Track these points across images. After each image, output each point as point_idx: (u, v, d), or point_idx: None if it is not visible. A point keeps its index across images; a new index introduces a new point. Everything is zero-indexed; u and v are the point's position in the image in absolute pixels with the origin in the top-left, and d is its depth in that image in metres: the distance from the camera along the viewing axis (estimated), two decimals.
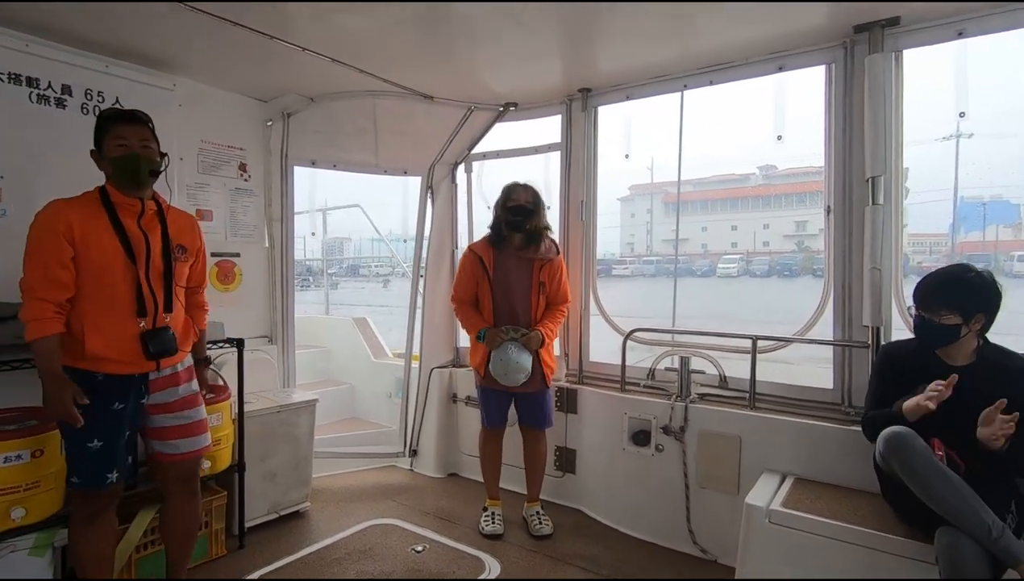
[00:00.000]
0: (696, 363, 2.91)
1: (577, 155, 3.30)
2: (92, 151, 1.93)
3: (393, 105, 3.34)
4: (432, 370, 3.73)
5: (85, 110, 2.56)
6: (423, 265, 3.79)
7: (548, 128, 3.49)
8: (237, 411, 2.69)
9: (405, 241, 4.34)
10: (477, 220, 3.81)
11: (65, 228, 1.80)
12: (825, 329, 2.64)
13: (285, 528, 2.95)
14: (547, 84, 3.17)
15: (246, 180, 3.31)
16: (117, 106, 2.64)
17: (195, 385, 2.13)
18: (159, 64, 2.79)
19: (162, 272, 1.95)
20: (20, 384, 2.21)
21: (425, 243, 3.77)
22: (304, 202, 4.12)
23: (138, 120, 1.92)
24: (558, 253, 2.89)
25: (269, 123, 3.40)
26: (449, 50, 2.72)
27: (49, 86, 2.45)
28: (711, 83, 2.85)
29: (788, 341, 2.74)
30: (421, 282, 3.78)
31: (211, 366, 2.40)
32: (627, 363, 3.07)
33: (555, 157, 3.40)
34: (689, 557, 2.70)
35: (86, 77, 2.56)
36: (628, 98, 3.13)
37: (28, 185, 2.38)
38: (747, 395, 2.69)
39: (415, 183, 3.82)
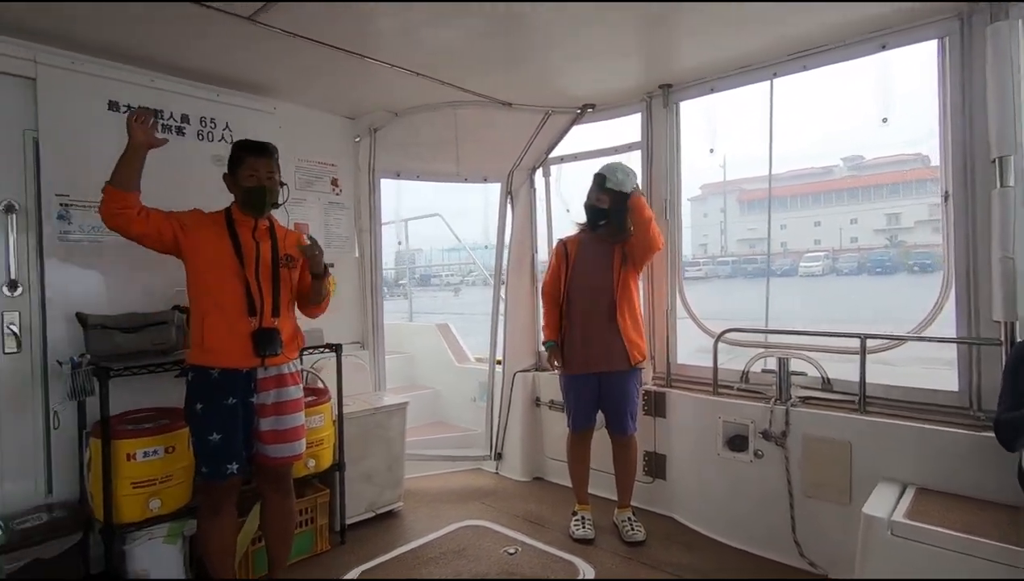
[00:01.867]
0: (794, 365, 2.76)
1: (659, 153, 3.23)
2: (225, 175, 2.15)
3: (473, 114, 3.42)
4: (515, 374, 3.76)
5: (200, 136, 2.80)
6: (504, 271, 3.84)
7: (626, 127, 3.45)
8: (337, 413, 2.83)
9: (486, 247, 4.40)
10: (556, 224, 3.82)
11: (188, 221, 2.11)
12: (943, 327, 2.43)
13: (381, 526, 3.06)
14: (626, 83, 3.13)
15: (337, 194, 3.50)
16: (228, 131, 2.88)
17: (298, 391, 2.23)
18: (261, 90, 3.01)
19: (271, 277, 2.11)
20: (155, 387, 2.45)
21: (505, 249, 3.82)
22: (389, 213, 4.29)
23: (267, 153, 2.14)
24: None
25: (357, 139, 3.58)
26: (526, 57, 2.75)
27: (171, 116, 2.71)
28: (804, 68, 2.71)
29: (903, 339, 2.54)
30: (502, 288, 3.82)
31: (311, 369, 2.53)
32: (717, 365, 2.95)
33: (635, 156, 3.35)
34: (795, 569, 2.54)
35: (201, 106, 2.80)
36: (712, 91, 3.04)
37: (159, 207, 2.61)
38: (855, 398, 2.51)
39: (494, 190, 3.88)
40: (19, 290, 2.31)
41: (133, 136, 1.93)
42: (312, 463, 2.65)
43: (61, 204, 2.38)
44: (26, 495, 2.32)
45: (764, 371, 2.87)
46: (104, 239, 2.49)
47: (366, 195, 3.58)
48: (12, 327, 2.28)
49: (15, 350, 2.30)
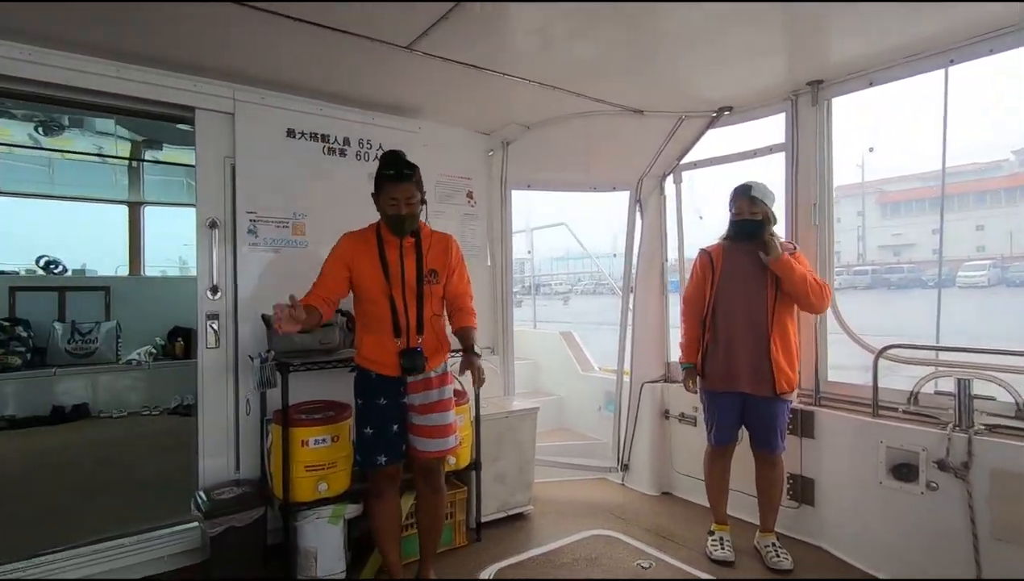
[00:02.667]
0: (976, 387, 2.43)
1: (806, 154, 3.02)
2: (373, 195, 2.29)
3: (603, 123, 3.44)
4: (643, 385, 3.70)
5: (359, 156, 3.10)
6: (632, 280, 3.79)
7: (765, 130, 3.27)
8: (474, 414, 2.96)
9: (615, 255, 4.38)
10: (687, 231, 3.71)
11: (347, 255, 2.27)
12: None
13: (512, 527, 3.14)
14: (767, 83, 2.98)
15: (472, 206, 3.68)
16: (380, 151, 3.14)
17: (447, 392, 2.36)
18: (408, 112, 3.26)
19: (416, 295, 2.24)
20: (322, 381, 2.73)
21: (634, 258, 3.77)
22: (518, 222, 4.42)
23: (405, 178, 2.18)
24: (794, 250, 2.69)
25: (490, 153, 3.74)
26: (660, 63, 2.71)
27: (335, 139, 3.03)
28: (991, 52, 2.40)
29: None
30: (631, 297, 3.78)
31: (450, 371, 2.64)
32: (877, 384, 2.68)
33: (774, 160, 3.17)
34: None
35: (358, 129, 3.10)
36: (872, 84, 2.79)
37: (322, 221, 2.95)
38: None
39: (620, 198, 3.86)
40: (218, 294, 2.70)
41: (280, 329, 2.08)
42: (452, 460, 2.79)
43: (251, 219, 2.76)
44: (220, 470, 2.70)
45: (937, 393, 2.56)
46: (281, 250, 2.85)
47: (498, 206, 3.73)
48: (213, 326, 2.68)
49: (215, 346, 2.69)
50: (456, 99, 3.15)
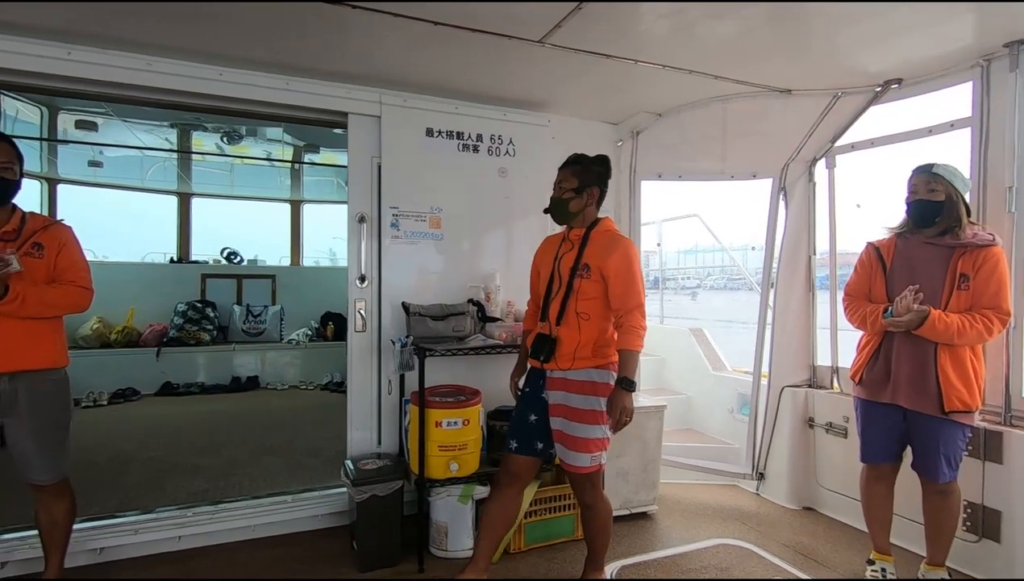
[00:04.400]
0: None
1: (999, 129, 2.56)
2: None
3: (743, 106, 3.20)
4: (783, 389, 3.41)
5: (491, 152, 3.20)
6: (773, 274, 3.50)
7: (942, 103, 2.83)
8: None
9: (753, 248, 4.08)
10: (840, 221, 3.34)
11: (539, 252, 2.44)
12: None
13: (636, 526, 3.07)
14: (949, 47, 2.56)
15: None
16: (511, 145, 3.22)
17: (590, 402, 2.13)
18: (538, 106, 3.30)
19: (566, 287, 2.20)
20: (455, 367, 2.89)
21: (776, 251, 3.48)
22: (646, 214, 4.27)
23: (567, 165, 2.28)
24: (992, 241, 2.22)
25: (619, 143, 3.67)
26: (813, 36, 2.45)
27: (469, 136, 3.15)
28: None
29: None
30: (771, 293, 3.49)
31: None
32: None
33: (955, 138, 2.72)
34: None
35: (491, 125, 3.20)
36: None
37: (457, 214, 3.10)
38: None
39: (760, 187, 3.57)
40: (366, 283, 2.96)
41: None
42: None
43: (393, 214, 2.97)
44: (365, 443, 2.97)
45: None
46: (419, 242, 3.04)
47: (626, 197, 3.65)
48: (361, 312, 2.94)
49: (362, 330, 2.95)
50: (585, 90, 3.12)
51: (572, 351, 2.15)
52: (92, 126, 4.90)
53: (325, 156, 6.33)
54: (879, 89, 2.98)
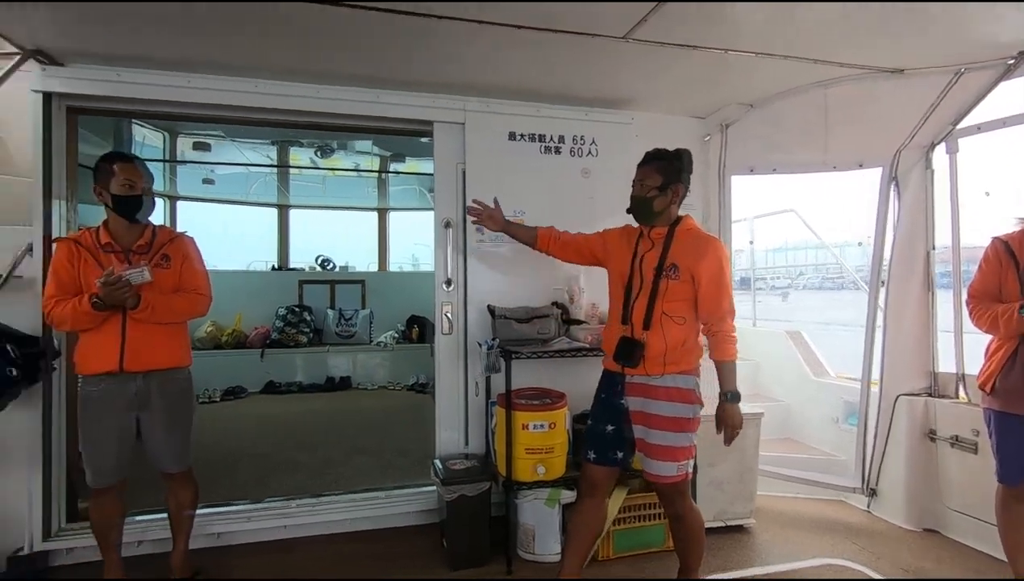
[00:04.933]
0: None
1: None
2: None
3: (847, 91, 2.97)
4: (898, 397, 3.11)
5: (572, 153, 3.17)
6: (883, 273, 3.21)
7: None
8: None
9: (859, 244, 3.76)
10: (965, 212, 2.99)
11: (612, 237, 2.36)
12: None
13: (731, 539, 2.92)
14: None
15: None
16: (594, 145, 3.18)
17: (676, 410, 2.04)
18: (621, 104, 3.23)
19: (650, 289, 2.09)
20: (541, 369, 2.88)
21: (887, 246, 3.18)
22: (735, 211, 4.06)
23: (649, 161, 2.16)
24: None
25: (707, 138, 3.51)
26: (931, 9, 2.22)
27: (551, 138, 3.14)
28: None
29: None
30: (881, 292, 3.20)
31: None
32: None
33: None
34: None
35: (573, 126, 3.17)
36: None
37: (539, 216, 3.08)
38: None
39: (857, 178, 3.29)
40: (451, 286, 3.02)
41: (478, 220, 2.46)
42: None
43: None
44: (453, 443, 3.03)
45: None
46: (501, 247, 3.06)
47: (715, 194, 3.49)
48: (447, 315, 3.01)
49: (449, 332, 3.02)
50: (671, 84, 3.02)
51: (660, 356, 2.05)
52: (206, 147, 5.39)
53: (409, 165, 6.57)
54: (1012, 61, 2.65)
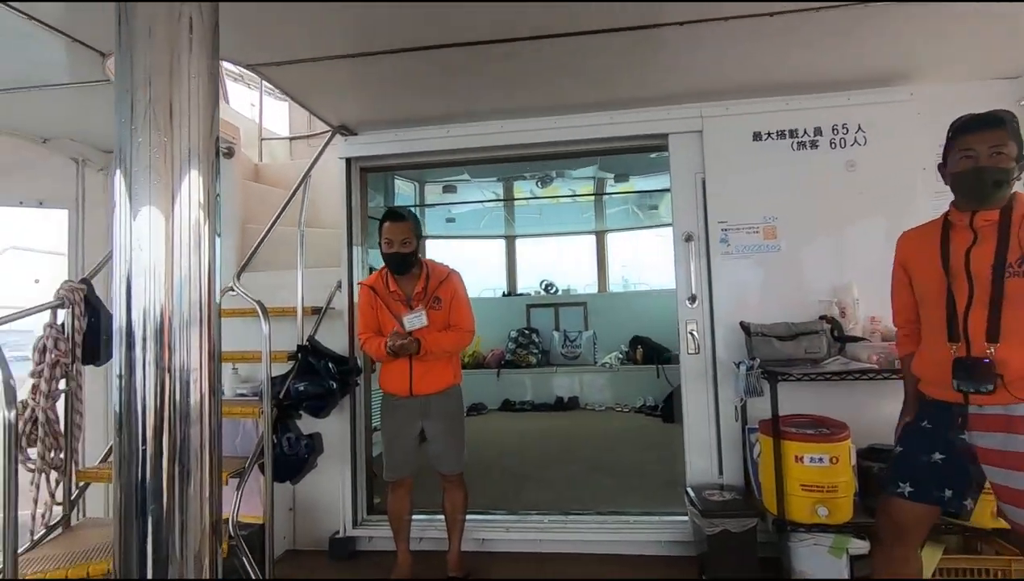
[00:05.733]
0: None
1: None
2: (939, 165, 1.81)
3: None
4: None
5: (832, 144, 2.77)
6: None
7: None
8: None
9: None
10: None
11: (901, 256, 1.90)
12: None
13: None
14: None
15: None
16: (860, 133, 2.74)
17: None
18: (894, 79, 2.73)
19: (990, 290, 1.64)
20: (809, 394, 2.52)
21: None
22: None
23: (991, 123, 1.66)
24: None
25: (1022, 102, 2.76)
26: None
27: (804, 132, 2.80)
28: None
29: None
30: None
31: None
32: None
33: None
34: None
35: (831, 114, 2.78)
36: None
37: (794, 220, 2.77)
38: None
39: None
40: (696, 303, 2.86)
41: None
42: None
43: (722, 229, 2.82)
44: (704, 471, 2.82)
45: None
46: (752, 256, 2.80)
47: None
48: (693, 333, 2.84)
49: (695, 351, 2.85)
50: (965, 43, 2.45)
51: (1016, 380, 1.58)
52: (453, 189, 6.12)
53: (621, 185, 6.57)
54: None
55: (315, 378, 2.74)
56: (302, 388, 2.70)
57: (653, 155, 3.19)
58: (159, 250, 1.05)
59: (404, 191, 6.53)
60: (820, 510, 2.23)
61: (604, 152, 3.17)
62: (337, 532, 3.05)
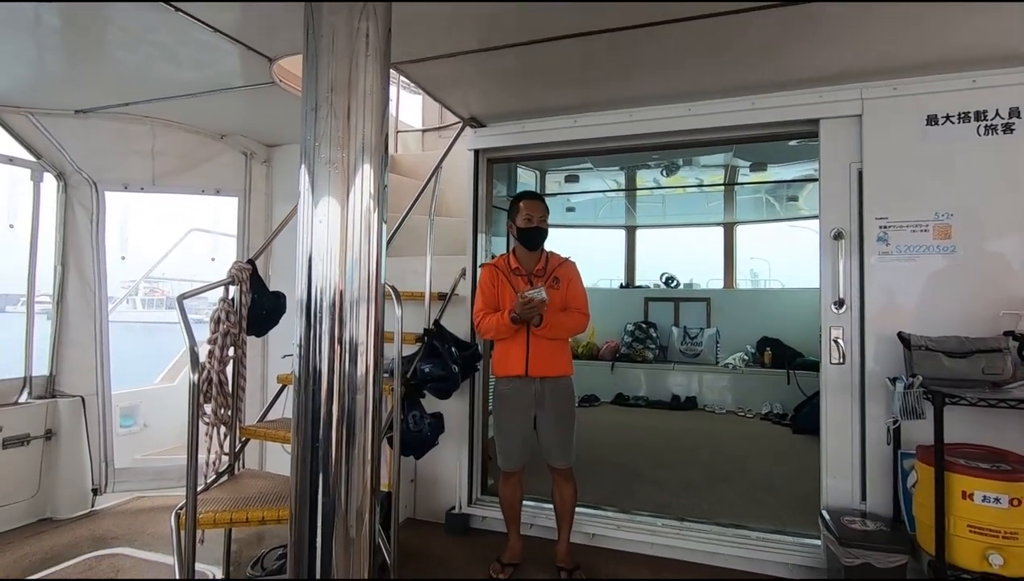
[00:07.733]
0: None
1: None
2: None
3: None
4: None
5: None
6: None
7: None
8: None
9: None
10: None
11: None
12: None
13: None
14: None
15: None
16: None
17: None
18: None
19: None
20: (986, 422, 2.17)
21: None
22: None
23: None
24: None
25: None
26: None
27: (995, 114, 2.37)
28: None
29: None
30: None
31: None
32: None
33: None
34: None
35: None
36: None
37: (976, 218, 2.37)
38: None
39: None
40: (843, 308, 2.56)
41: None
42: None
43: (880, 226, 2.49)
44: (843, 495, 2.54)
45: None
46: (918, 258, 2.45)
47: None
48: (838, 340, 2.56)
49: (839, 361, 2.56)
50: None
51: None
52: (575, 178, 6.07)
53: (757, 175, 6.06)
54: None
55: (439, 361, 2.87)
56: (427, 370, 2.84)
57: (793, 142, 2.89)
58: (335, 235, 1.18)
59: (526, 180, 6.59)
60: (993, 558, 1.91)
61: (742, 140, 2.93)
62: (453, 507, 3.20)
